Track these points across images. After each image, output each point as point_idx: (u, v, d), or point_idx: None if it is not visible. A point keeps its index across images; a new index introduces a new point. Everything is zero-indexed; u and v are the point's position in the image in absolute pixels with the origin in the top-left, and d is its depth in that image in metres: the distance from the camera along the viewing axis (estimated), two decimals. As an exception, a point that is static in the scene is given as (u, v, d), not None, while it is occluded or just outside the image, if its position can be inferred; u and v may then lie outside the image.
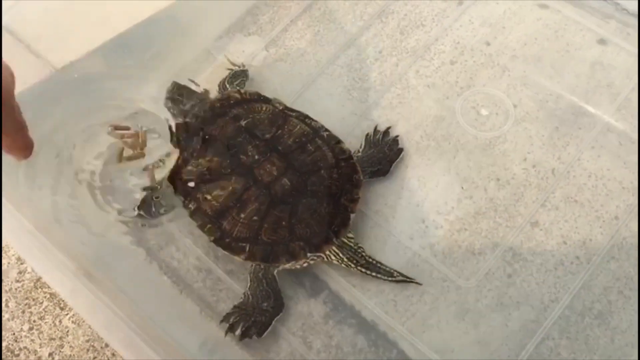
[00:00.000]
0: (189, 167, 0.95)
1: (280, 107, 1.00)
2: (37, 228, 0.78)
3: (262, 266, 0.92)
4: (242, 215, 0.91)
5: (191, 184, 0.94)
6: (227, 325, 0.90)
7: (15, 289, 1.03)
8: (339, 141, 0.99)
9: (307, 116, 1.00)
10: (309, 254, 0.91)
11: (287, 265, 0.92)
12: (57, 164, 1.01)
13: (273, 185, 0.92)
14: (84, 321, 1.00)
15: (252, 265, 0.92)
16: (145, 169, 1.01)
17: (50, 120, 1.04)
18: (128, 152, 1.01)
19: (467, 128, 1.05)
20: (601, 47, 1.12)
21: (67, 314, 1.00)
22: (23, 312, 1.01)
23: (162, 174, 0.99)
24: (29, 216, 0.80)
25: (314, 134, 0.97)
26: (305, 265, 0.93)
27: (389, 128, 1.04)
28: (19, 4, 1.07)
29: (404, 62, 1.13)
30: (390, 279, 0.92)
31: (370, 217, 0.99)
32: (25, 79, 1.00)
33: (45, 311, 1.01)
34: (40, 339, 0.99)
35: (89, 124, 1.06)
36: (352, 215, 0.93)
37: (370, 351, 0.91)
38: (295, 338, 0.92)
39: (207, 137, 0.97)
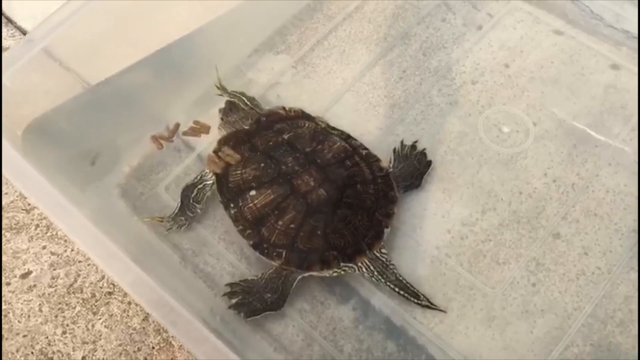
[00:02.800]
0: (235, 175, 0.99)
1: (323, 125, 1.06)
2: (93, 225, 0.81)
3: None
4: (280, 223, 0.95)
5: (235, 191, 0.98)
6: (229, 290, 0.96)
7: (49, 294, 1.05)
8: (377, 159, 1.03)
9: (348, 135, 1.05)
10: (342, 264, 0.94)
11: (319, 273, 0.95)
12: (95, 172, 1.04)
13: (310, 195, 0.96)
14: (116, 326, 1.01)
15: None
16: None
17: (86, 132, 1.08)
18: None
19: (490, 144, 1.10)
20: (614, 72, 1.18)
21: (99, 319, 1.02)
22: (56, 316, 1.03)
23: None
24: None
25: (353, 152, 1.02)
26: (335, 275, 0.96)
27: (415, 142, 1.09)
28: (55, 26, 1.09)
29: (427, 81, 1.18)
30: (415, 301, 0.95)
31: (397, 227, 1.02)
32: (60, 95, 1.04)
33: (78, 316, 1.03)
34: (73, 343, 1.01)
35: (124, 137, 1.11)
36: (387, 230, 0.97)
37: (399, 356, 0.94)
38: (327, 342, 0.95)
39: (252, 147, 1.01)
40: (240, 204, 0.97)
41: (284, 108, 1.08)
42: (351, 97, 1.16)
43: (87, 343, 1.01)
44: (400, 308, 0.96)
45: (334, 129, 1.06)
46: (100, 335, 1.02)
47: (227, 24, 1.19)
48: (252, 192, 0.97)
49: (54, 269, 1.07)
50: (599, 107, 1.13)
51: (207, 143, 1.11)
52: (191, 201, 1.02)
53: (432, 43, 1.22)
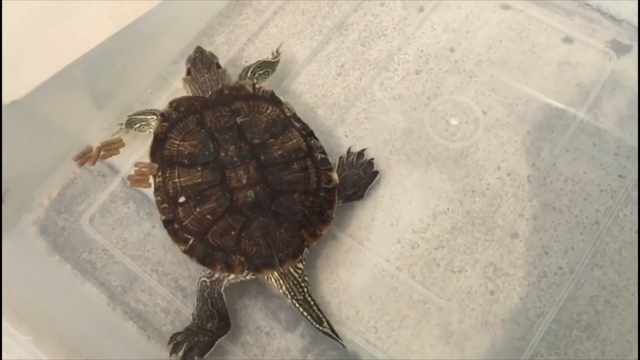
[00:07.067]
0: (172, 144, 0.93)
1: (289, 114, 0.97)
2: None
3: (208, 283, 0.88)
4: (198, 209, 0.89)
5: (167, 160, 0.93)
6: (173, 344, 0.87)
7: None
8: (330, 168, 0.94)
9: (311, 132, 0.96)
10: (245, 271, 0.87)
11: (227, 277, 0.88)
12: (7, 210, 0.95)
13: (237, 192, 0.89)
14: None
15: (198, 283, 0.88)
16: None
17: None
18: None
19: (437, 139, 1.02)
20: (567, 46, 1.09)
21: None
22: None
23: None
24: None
25: (306, 153, 0.93)
26: (240, 280, 0.89)
27: (363, 150, 1.00)
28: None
29: (368, 75, 1.09)
30: (318, 326, 0.87)
31: (343, 240, 0.95)
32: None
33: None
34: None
35: (40, 165, 1.01)
36: (306, 250, 0.89)
37: (353, 384, 0.86)
38: (274, 376, 0.87)
39: (200, 121, 0.94)
40: (167, 175, 0.91)
41: (253, 85, 0.99)
42: (287, 100, 1.06)
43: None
44: (350, 331, 0.89)
45: (299, 120, 0.97)
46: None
47: (144, 29, 1.09)
48: (182, 169, 0.91)
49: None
50: (553, 87, 1.05)
51: (132, 165, 1.01)
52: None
53: (371, 31, 1.13)
